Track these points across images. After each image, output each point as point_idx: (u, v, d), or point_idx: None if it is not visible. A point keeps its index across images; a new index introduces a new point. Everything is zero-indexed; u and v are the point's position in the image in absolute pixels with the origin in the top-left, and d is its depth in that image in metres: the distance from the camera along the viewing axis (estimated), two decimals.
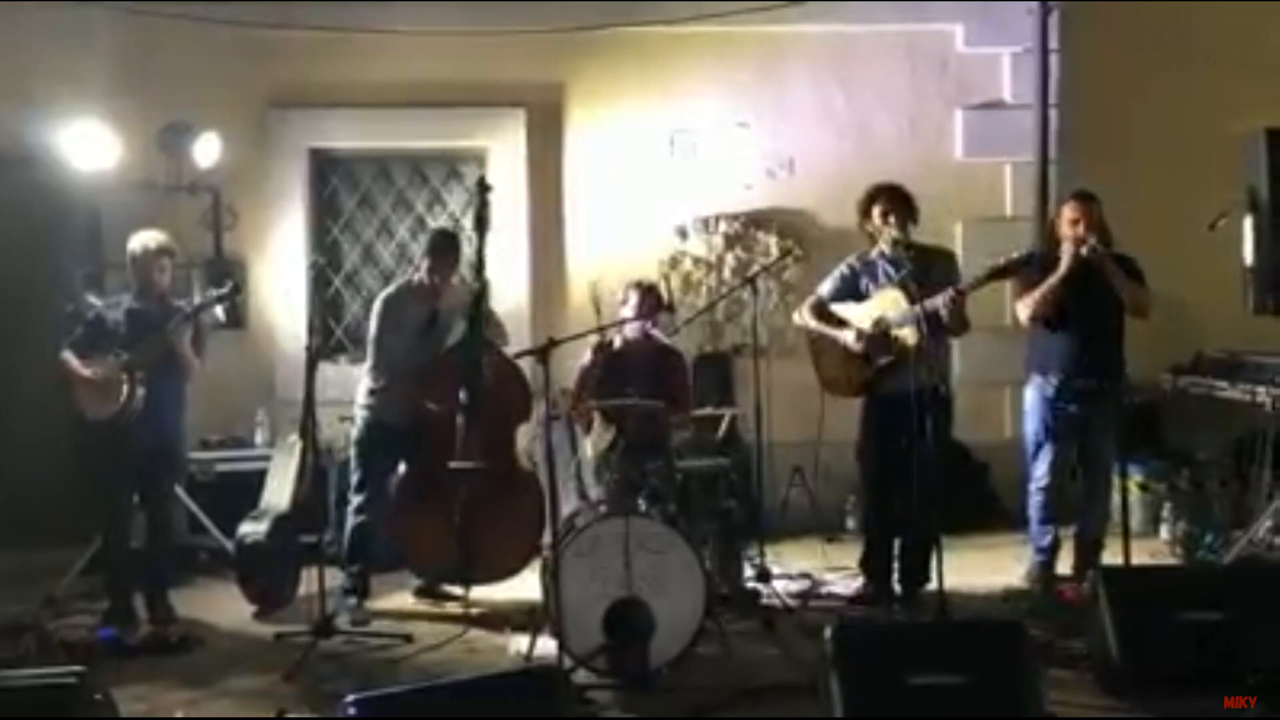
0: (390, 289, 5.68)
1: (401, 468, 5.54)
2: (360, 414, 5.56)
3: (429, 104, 6.93)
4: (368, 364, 5.61)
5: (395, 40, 6.69)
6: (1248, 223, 5.62)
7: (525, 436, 6.29)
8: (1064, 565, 5.53)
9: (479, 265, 5.48)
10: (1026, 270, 5.28)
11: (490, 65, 6.88)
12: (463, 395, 5.34)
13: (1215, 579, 4.63)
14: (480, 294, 5.45)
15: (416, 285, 5.55)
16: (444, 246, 5.57)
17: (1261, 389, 6.06)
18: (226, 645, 5.09)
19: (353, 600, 5.43)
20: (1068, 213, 5.33)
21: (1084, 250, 5.16)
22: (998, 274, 5.07)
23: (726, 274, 7.07)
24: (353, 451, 5.64)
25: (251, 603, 5.51)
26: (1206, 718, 4.02)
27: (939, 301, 5.00)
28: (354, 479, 5.60)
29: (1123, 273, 5.23)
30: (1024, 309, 5.38)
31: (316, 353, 5.18)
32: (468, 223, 7.19)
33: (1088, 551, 5.40)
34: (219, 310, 5.70)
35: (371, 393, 5.55)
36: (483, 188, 5.52)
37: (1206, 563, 5.78)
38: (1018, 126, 7.13)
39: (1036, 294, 5.30)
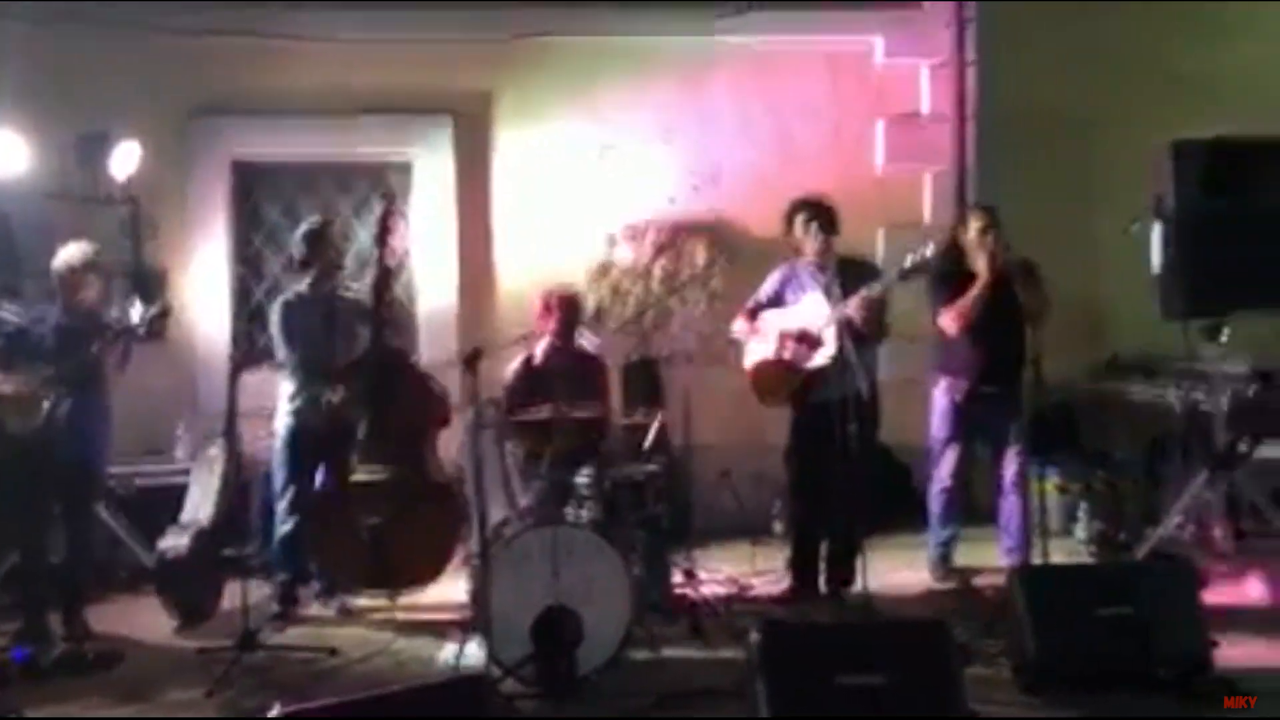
0: (287, 294, 5.65)
1: (320, 475, 5.52)
2: (283, 421, 5.53)
3: (354, 112, 6.87)
4: (283, 372, 5.57)
5: (320, 48, 6.64)
6: (1155, 231, 5.79)
7: (452, 445, 6.28)
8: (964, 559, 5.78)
9: (380, 274, 5.49)
10: (934, 277, 5.40)
11: (417, 74, 6.87)
12: (366, 404, 5.33)
13: (1127, 574, 4.72)
14: (378, 301, 5.46)
15: (308, 290, 5.55)
16: (317, 240, 5.57)
17: (1171, 391, 6.27)
18: (148, 661, 4.99)
19: (276, 608, 5.38)
20: (976, 223, 5.49)
21: (1002, 261, 5.29)
22: (905, 275, 5.16)
23: (654, 283, 7.12)
24: (276, 460, 5.59)
25: (173, 618, 5.41)
26: (1120, 716, 4.13)
27: (850, 307, 5.08)
28: (278, 487, 5.56)
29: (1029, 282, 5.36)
30: (951, 322, 5.48)
31: (240, 363, 5.13)
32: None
33: (1024, 549, 5.46)
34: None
35: (291, 400, 5.52)
36: (387, 198, 5.63)
37: (1119, 559, 5.94)
38: (936, 137, 7.28)
39: (961, 306, 5.43)
